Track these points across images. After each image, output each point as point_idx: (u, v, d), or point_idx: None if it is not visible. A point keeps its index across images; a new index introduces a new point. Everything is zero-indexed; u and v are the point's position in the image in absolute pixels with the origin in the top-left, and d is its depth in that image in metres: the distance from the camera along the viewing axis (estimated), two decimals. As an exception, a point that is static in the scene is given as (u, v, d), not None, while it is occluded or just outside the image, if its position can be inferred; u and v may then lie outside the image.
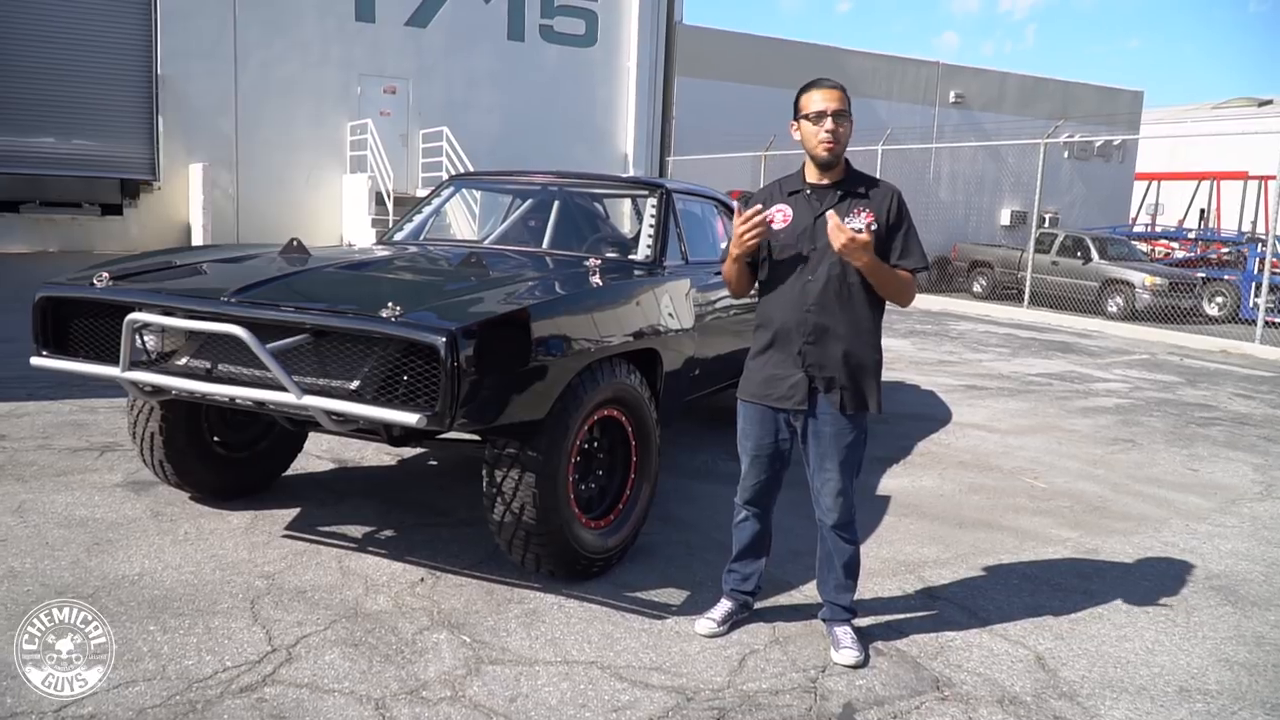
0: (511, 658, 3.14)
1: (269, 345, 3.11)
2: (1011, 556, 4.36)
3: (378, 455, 5.29)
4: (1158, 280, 16.27)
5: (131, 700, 2.74)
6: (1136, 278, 16.51)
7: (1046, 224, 24.34)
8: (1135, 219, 28.95)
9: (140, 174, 17.36)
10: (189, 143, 17.48)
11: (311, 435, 4.88)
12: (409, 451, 5.24)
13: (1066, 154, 27.28)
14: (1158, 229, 27.07)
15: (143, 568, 3.65)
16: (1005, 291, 18.79)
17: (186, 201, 17.49)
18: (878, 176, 3.30)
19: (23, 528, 3.96)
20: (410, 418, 2.98)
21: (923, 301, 17.36)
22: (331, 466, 5.11)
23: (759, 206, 3.08)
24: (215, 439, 4.36)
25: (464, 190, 6.26)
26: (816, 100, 3.10)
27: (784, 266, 3.17)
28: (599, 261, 4.18)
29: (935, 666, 3.26)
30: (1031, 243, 16.90)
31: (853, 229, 2.99)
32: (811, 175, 3.19)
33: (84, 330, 3.59)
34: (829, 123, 3.06)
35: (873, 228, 3.08)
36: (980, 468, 5.92)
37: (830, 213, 3.02)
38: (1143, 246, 22.21)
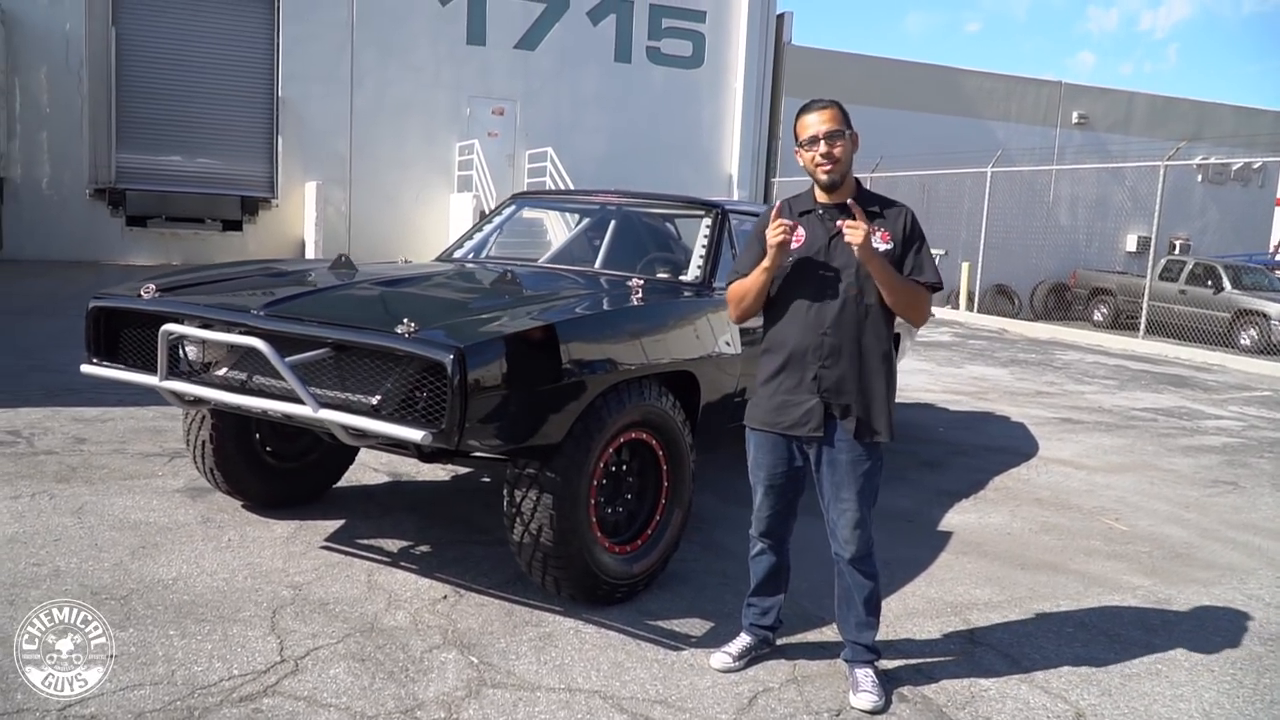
0: (515, 682, 3.09)
1: (288, 359, 3.15)
2: (1072, 603, 4.11)
3: (433, 471, 5.33)
4: (1296, 312, 15.25)
5: (133, 703, 2.79)
6: (1274, 309, 15.54)
7: (1176, 250, 23.27)
8: (1278, 248, 27.34)
9: (260, 192, 18.16)
10: (305, 162, 18.19)
11: (369, 450, 4.95)
12: (462, 469, 5.26)
13: (1200, 177, 26.03)
14: (1299, 258, 25.52)
15: (180, 572, 3.74)
16: (1129, 321, 17.88)
17: (302, 218, 18.18)
18: (892, 197, 3.20)
19: (78, 528, 4.12)
20: (416, 434, 2.98)
21: (1029, 330, 16.75)
22: (385, 480, 5.18)
23: (783, 219, 2.99)
24: (267, 449, 4.47)
25: (544, 210, 6.29)
26: (809, 124, 3.02)
27: (797, 288, 3.06)
28: (642, 282, 4.13)
29: (961, 717, 3.08)
30: (1150, 269, 16.09)
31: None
32: (821, 196, 3.09)
33: (132, 340, 3.72)
34: (822, 146, 2.99)
35: (890, 244, 3.00)
36: (1057, 506, 5.62)
37: (851, 202, 2.97)
38: (1282, 276, 20.96)
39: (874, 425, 3.05)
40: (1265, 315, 15.60)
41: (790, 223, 2.99)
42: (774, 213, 3.02)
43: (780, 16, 22.32)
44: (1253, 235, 26.61)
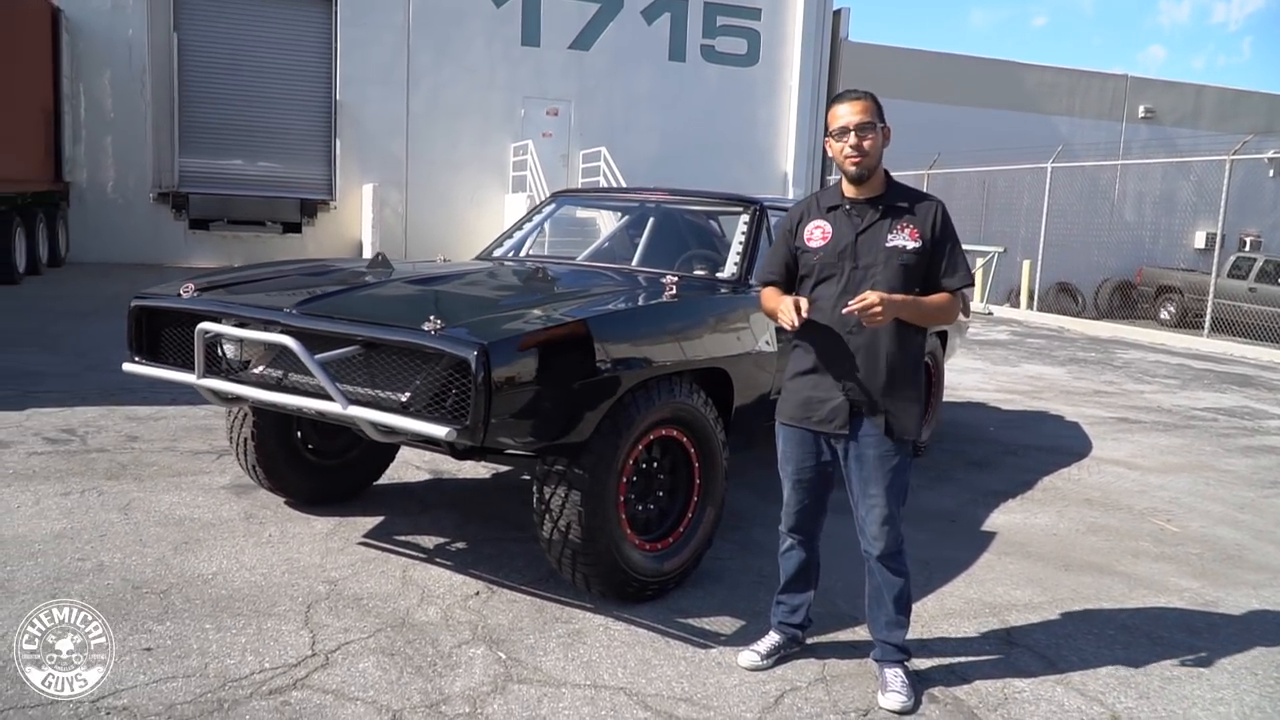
0: (541, 678, 3.10)
1: (318, 356, 3.20)
2: (1115, 604, 4.01)
3: (474, 469, 5.37)
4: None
5: (166, 695, 2.85)
6: (1345, 307, 15.02)
7: (1246, 247, 22.60)
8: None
9: (318, 194, 18.48)
10: (363, 164, 18.46)
11: (410, 448, 5.01)
12: (502, 467, 5.29)
13: (1271, 172, 25.24)
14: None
15: (220, 567, 3.81)
16: (1196, 319, 17.36)
17: (359, 220, 18.46)
18: (924, 190, 3.16)
19: (124, 524, 4.22)
20: (440, 430, 3.00)
21: (1090, 328, 16.38)
22: (427, 478, 5.23)
23: (804, 301, 2.93)
24: (308, 446, 4.54)
25: (585, 208, 6.30)
26: (840, 115, 3.00)
27: (825, 286, 3.03)
28: (677, 279, 4.12)
29: (992, 719, 3.02)
30: (1215, 265, 15.62)
31: (896, 245, 2.91)
32: (849, 190, 3.06)
33: (172, 338, 3.80)
34: (852, 137, 2.96)
35: (916, 244, 2.96)
36: (1107, 506, 5.48)
37: (849, 309, 2.85)
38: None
39: (902, 422, 3.01)
40: (1338, 313, 15.09)
41: (799, 314, 2.87)
42: (790, 217, 2.96)
43: (837, 13, 22.12)
44: (1329, 231, 25.76)
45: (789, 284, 3.15)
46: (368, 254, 17.78)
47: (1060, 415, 8.21)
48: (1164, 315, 18.96)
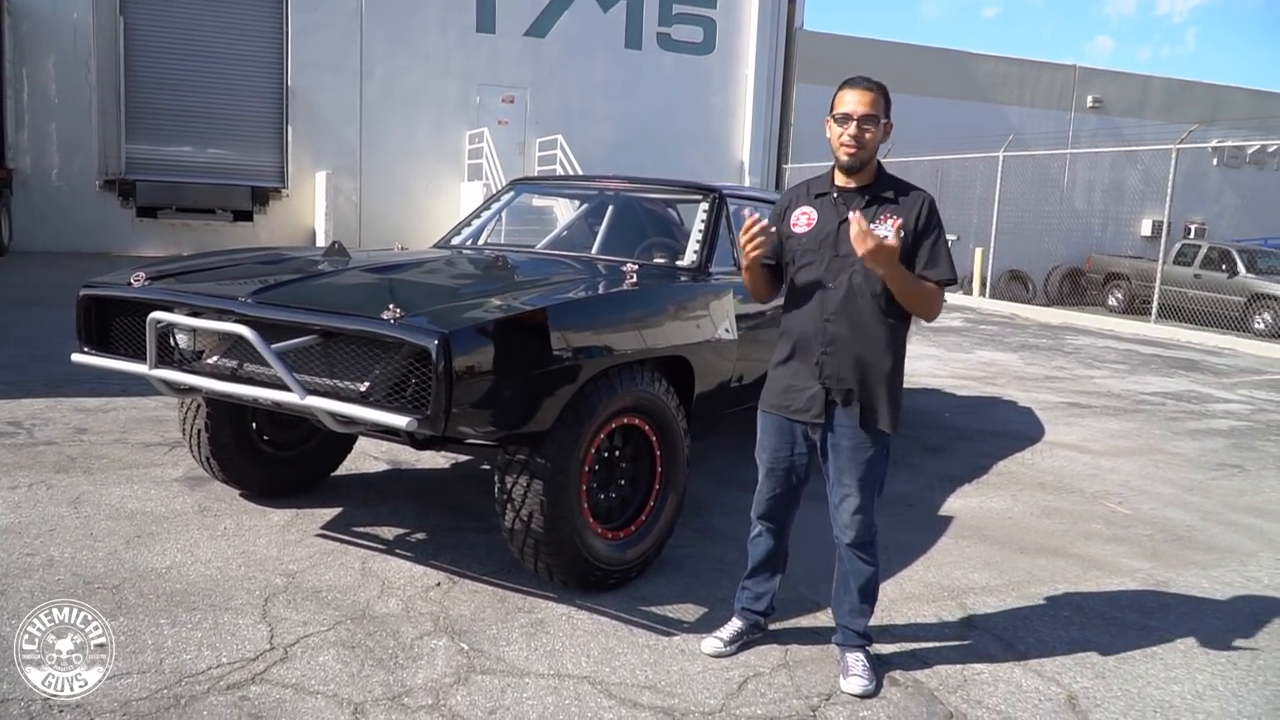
0: (504, 668, 3.08)
1: (275, 345, 3.14)
2: (1070, 586, 4.07)
3: (433, 459, 5.31)
4: (1311, 296, 15.12)
5: (120, 692, 2.79)
6: (1288, 293, 15.40)
7: (1191, 234, 23.04)
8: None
9: (270, 182, 18.19)
10: (316, 151, 18.21)
11: (368, 438, 4.95)
12: (462, 456, 5.25)
13: (1215, 161, 25.76)
14: (1317, 241, 25.23)
15: (173, 561, 3.74)
16: (1144, 305, 17.79)
17: (312, 208, 18.21)
18: (912, 183, 3.04)
19: (74, 518, 4.13)
20: (401, 420, 2.96)
21: (1041, 314, 16.63)
22: (385, 468, 5.18)
23: (756, 216, 2.94)
24: (263, 437, 4.47)
25: (542, 195, 6.26)
26: (846, 101, 2.93)
27: (806, 272, 3.03)
28: (637, 267, 4.10)
29: (952, 701, 3.06)
30: (1162, 253, 15.93)
31: (879, 235, 2.82)
32: (839, 178, 3.03)
33: (122, 328, 3.71)
34: (853, 127, 2.91)
35: (900, 235, 2.86)
36: (1060, 490, 5.57)
37: (855, 215, 2.81)
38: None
39: (877, 413, 3.00)
40: (1279, 299, 15.45)
41: (757, 230, 2.88)
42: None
43: (792, 2, 22.15)
44: (1269, 218, 26.32)
45: (778, 269, 3.14)
46: (321, 243, 17.54)
47: (1014, 401, 8.33)
48: (1112, 301, 19.30)
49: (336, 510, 4.44)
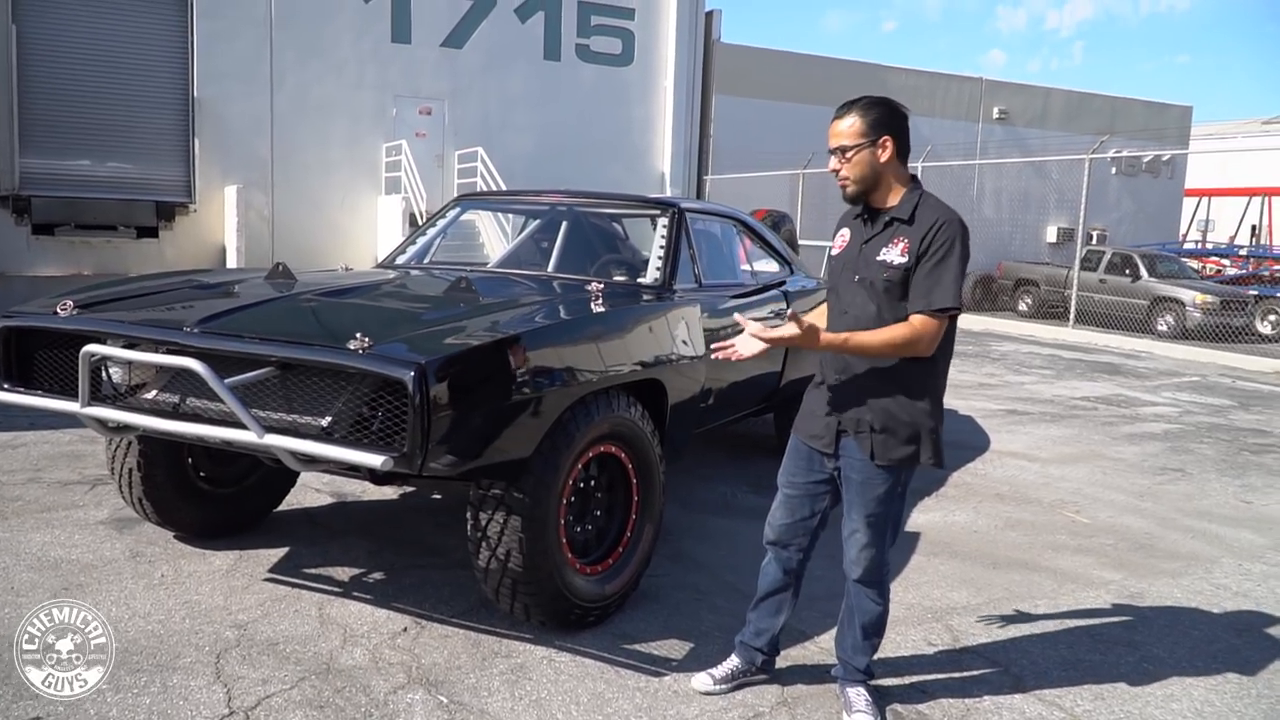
0: (489, 722, 2.86)
1: (228, 380, 2.88)
2: (1049, 602, 4.01)
3: (380, 490, 5.04)
4: (1209, 298, 15.70)
5: (65, 771, 2.50)
6: (1187, 295, 15.94)
7: (1094, 241, 23.76)
8: (1185, 236, 28.20)
9: (176, 196, 17.41)
10: (225, 165, 17.51)
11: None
12: (409, 486, 4.99)
13: (1114, 170, 26.64)
14: (1208, 245, 26.30)
15: (109, 616, 3.41)
16: (1052, 310, 18.33)
17: (222, 224, 17.50)
18: (944, 203, 2.81)
19: (-8, 569, 3.76)
20: (375, 459, 2.72)
21: (964, 321, 16.89)
22: (330, 501, 4.89)
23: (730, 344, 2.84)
24: (200, 474, 4.15)
25: (486, 211, 6.02)
26: (830, 132, 2.81)
27: (832, 295, 2.94)
28: (602, 286, 3.91)
29: (960, 735, 2.94)
30: (1078, 260, 16.37)
31: (884, 260, 2.73)
32: (871, 198, 2.86)
33: (48, 362, 3.39)
34: (832, 161, 2.80)
35: (903, 260, 2.71)
36: (1018, 500, 5.55)
37: (740, 317, 2.86)
38: (1193, 264, 21.55)
39: (892, 447, 2.79)
40: (1180, 301, 16.00)
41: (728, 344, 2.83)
42: (839, 225, 2.85)
43: (709, 14, 22.22)
44: (1165, 226, 27.40)
45: None
46: (232, 260, 16.90)
47: (953, 409, 8.35)
48: (1022, 307, 19.75)
49: (283, 550, 4.14)
